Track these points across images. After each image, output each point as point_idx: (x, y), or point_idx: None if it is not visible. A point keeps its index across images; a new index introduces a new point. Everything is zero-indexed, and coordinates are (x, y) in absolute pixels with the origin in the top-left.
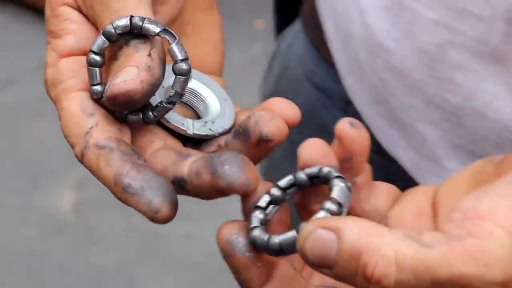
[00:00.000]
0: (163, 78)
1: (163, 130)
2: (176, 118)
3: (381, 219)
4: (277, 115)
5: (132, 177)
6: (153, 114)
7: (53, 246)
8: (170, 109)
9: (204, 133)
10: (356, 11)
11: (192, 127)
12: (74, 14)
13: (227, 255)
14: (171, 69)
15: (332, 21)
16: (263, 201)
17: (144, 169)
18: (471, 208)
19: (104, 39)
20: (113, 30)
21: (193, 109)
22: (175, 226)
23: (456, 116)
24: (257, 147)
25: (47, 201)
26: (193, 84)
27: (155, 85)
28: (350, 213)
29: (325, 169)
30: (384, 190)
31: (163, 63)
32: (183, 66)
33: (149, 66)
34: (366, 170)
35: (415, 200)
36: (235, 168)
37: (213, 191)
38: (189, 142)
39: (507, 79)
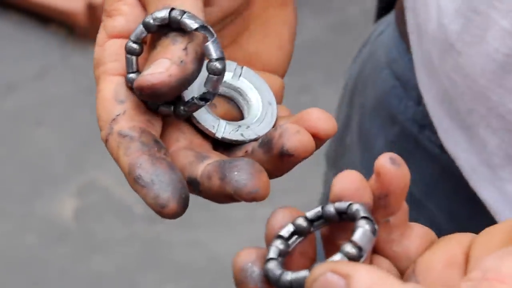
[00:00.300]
0: (198, 74)
1: (193, 130)
2: (208, 118)
3: (410, 263)
4: (304, 130)
5: (145, 169)
6: (184, 109)
7: (54, 252)
8: (201, 106)
9: (234, 138)
10: (433, 8)
11: (222, 130)
12: None
13: (239, 283)
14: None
15: (412, 14)
16: (286, 231)
17: (159, 162)
18: (492, 268)
19: (143, 28)
20: (152, 21)
21: (239, 108)
22: (177, 233)
23: None
24: (279, 160)
25: (49, 208)
26: (239, 82)
27: (185, 80)
28: (379, 253)
29: (355, 207)
30: (418, 233)
31: (199, 59)
32: (217, 65)
33: (181, 61)
34: (403, 210)
35: (448, 249)
36: (244, 175)
37: (222, 195)
38: (220, 145)
39: None
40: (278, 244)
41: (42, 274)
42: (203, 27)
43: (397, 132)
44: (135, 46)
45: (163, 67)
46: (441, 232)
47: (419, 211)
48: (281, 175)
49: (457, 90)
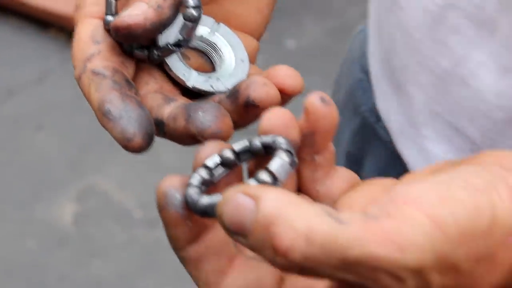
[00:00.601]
0: (173, 20)
1: (165, 77)
2: (180, 67)
3: (332, 203)
4: (271, 83)
5: (114, 104)
6: (158, 53)
7: (54, 257)
8: (174, 51)
9: (204, 88)
10: None
11: (193, 79)
12: None
13: (161, 208)
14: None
15: None
16: (212, 161)
17: (129, 99)
18: (400, 193)
19: None
20: None
21: (212, 63)
22: None
23: (442, 81)
24: (244, 110)
25: (48, 212)
26: (215, 38)
27: (160, 25)
28: (303, 192)
29: (279, 140)
30: (343, 176)
31: (176, 6)
32: (193, 12)
33: (158, 5)
34: (329, 152)
35: (371, 189)
36: (208, 117)
37: (186, 136)
38: (190, 94)
39: (493, 49)
40: (202, 173)
41: (41, 278)
42: None
43: (359, 123)
44: None
45: (140, 9)
46: None
47: None
48: (245, 126)
49: (395, 47)
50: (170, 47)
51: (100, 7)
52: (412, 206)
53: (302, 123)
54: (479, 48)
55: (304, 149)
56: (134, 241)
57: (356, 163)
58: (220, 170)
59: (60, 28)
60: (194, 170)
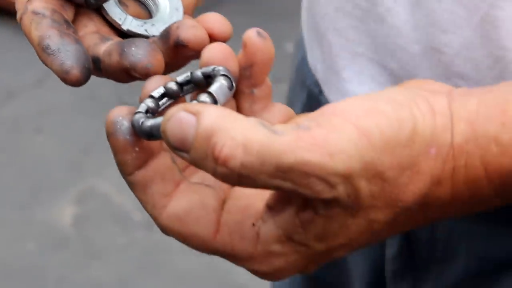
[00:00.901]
0: None
1: (102, 21)
2: (117, 12)
3: None
4: (200, 25)
5: (53, 40)
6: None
7: (53, 259)
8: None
9: (138, 32)
10: None
11: (128, 23)
12: None
13: (109, 135)
14: None
15: None
16: (157, 92)
17: (67, 36)
18: (329, 107)
19: None
20: None
21: (149, 12)
22: (176, 240)
23: (362, 22)
24: (175, 51)
25: (48, 215)
26: None
27: None
28: None
29: (218, 68)
30: (280, 109)
31: None
32: None
33: None
34: (267, 86)
35: (303, 118)
36: (140, 51)
37: (120, 71)
38: (125, 38)
39: None
40: (148, 102)
41: (41, 281)
42: None
43: (306, 96)
44: None
45: None
46: None
47: None
48: (177, 68)
49: None
50: None
51: None
52: (340, 117)
53: (240, 57)
54: None
55: (243, 81)
56: (134, 244)
57: None
58: (164, 100)
59: None
60: (141, 101)
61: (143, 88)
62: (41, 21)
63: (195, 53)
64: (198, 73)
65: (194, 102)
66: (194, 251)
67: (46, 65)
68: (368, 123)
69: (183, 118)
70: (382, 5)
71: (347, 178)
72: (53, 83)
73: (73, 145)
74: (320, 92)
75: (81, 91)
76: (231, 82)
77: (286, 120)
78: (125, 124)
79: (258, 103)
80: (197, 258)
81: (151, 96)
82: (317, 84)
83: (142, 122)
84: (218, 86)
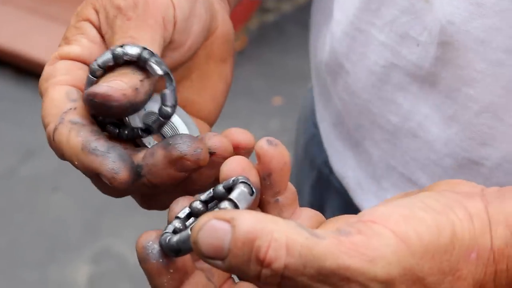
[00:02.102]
0: (143, 106)
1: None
2: (150, 140)
3: None
4: (221, 135)
5: (100, 142)
6: (127, 135)
7: None
8: (143, 136)
9: None
10: (327, 36)
11: None
12: (92, 32)
13: (142, 260)
14: (158, 109)
15: (313, 52)
16: (183, 212)
17: (110, 141)
18: (366, 213)
19: (111, 58)
20: (121, 54)
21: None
22: None
23: (394, 136)
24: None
25: (63, 274)
26: (175, 119)
27: (133, 105)
28: None
29: (237, 178)
30: (309, 215)
31: (150, 94)
32: (168, 110)
33: (136, 88)
34: (291, 192)
35: (337, 223)
36: (186, 139)
37: (167, 166)
38: None
39: (436, 100)
40: (175, 223)
41: None
42: (166, 75)
43: (316, 175)
44: (99, 70)
45: (119, 85)
46: None
47: None
48: (201, 186)
49: (347, 109)
50: (141, 133)
51: (71, 76)
52: (379, 224)
53: (258, 167)
54: (423, 102)
55: (265, 191)
56: None
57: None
58: (191, 220)
59: None
60: (168, 223)
61: (169, 210)
62: (82, 128)
63: (221, 160)
64: (220, 188)
65: (216, 210)
66: None
67: (91, 168)
68: (406, 230)
69: (216, 226)
70: (414, 121)
71: (387, 284)
72: None
73: (90, 204)
74: (331, 172)
75: None
76: (251, 188)
77: (317, 225)
78: (156, 247)
79: (286, 211)
80: None
81: (178, 217)
82: (327, 164)
83: (168, 239)
84: (239, 192)
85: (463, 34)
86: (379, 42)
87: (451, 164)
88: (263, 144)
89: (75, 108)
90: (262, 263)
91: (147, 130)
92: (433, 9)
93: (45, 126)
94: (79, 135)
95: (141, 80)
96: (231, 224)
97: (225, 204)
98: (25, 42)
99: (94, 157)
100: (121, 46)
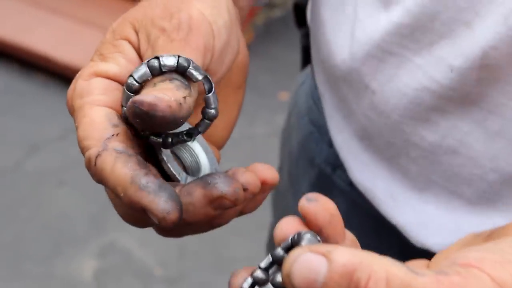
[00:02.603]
0: (185, 121)
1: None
2: (175, 166)
3: None
4: (250, 171)
5: (150, 179)
6: (172, 141)
7: None
8: (187, 141)
9: None
10: (344, 55)
11: (184, 180)
12: (130, 51)
13: None
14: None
15: (322, 65)
16: (247, 283)
17: (159, 178)
18: (460, 256)
19: (149, 72)
20: (158, 66)
21: (182, 163)
22: None
23: (432, 153)
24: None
25: (69, 269)
26: (195, 145)
27: (176, 120)
28: None
29: (299, 233)
30: None
31: (191, 112)
32: (213, 112)
33: (180, 102)
34: (351, 240)
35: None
36: (225, 179)
37: (205, 205)
38: None
39: (479, 117)
40: None
41: None
42: (206, 78)
43: (316, 174)
44: (136, 84)
45: (166, 97)
46: None
47: None
48: (249, 211)
49: (375, 127)
50: (183, 137)
51: (109, 98)
52: (475, 267)
53: (308, 226)
54: (464, 120)
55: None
56: None
57: None
58: None
59: None
60: None
61: (231, 283)
62: (129, 159)
63: (252, 195)
64: (279, 251)
65: (302, 244)
66: None
67: (139, 204)
68: (503, 274)
69: (311, 259)
70: (453, 138)
71: None
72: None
73: (95, 199)
74: (334, 171)
75: None
76: (317, 237)
77: None
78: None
79: None
80: None
81: None
82: (329, 163)
83: None
84: (308, 238)
85: (507, 56)
86: (414, 64)
87: (497, 178)
88: (303, 203)
89: (117, 135)
90: None
91: (189, 134)
92: (474, 35)
93: (83, 148)
94: (126, 166)
95: (184, 97)
96: (327, 257)
97: (308, 235)
98: (29, 36)
99: (146, 194)
100: (156, 58)
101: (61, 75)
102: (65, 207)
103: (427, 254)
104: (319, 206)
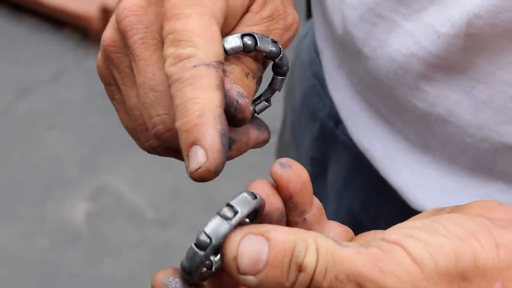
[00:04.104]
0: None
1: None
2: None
3: None
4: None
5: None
6: (255, 110)
7: (66, 256)
8: (269, 106)
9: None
10: (339, 17)
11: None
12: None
13: None
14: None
15: (323, 23)
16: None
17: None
18: (390, 231)
19: (242, 45)
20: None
21: None
22: (188, 238)
23: (424, 120)
24: None
25: (61, 211)
26: None
27: (246, 121)
28: None
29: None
30: (337, 231)
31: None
32: (285, 69)
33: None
34: (316, 207)
35: (365, 238)
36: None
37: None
38: None
39: (466, 86)
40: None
41: (53, 277)
42: (275, 43)
43: (318, 128)
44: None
45: (248, 105)
46: (356, 218)
47: (340, 201)
48: None
49: (371, 91)
50: (266, 103)
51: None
52: (398, 245)
53: (278, 190)
54: (452, 88)
55: (291, 213)
56: (147, 241)
57: (320, 167)
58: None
59: (74, 27)
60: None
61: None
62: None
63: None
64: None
65: (217, 217)
66: None
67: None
68: (422, 254)
69: (254, 240)
70: (442, 107)
71: None
72: (67, 80)
73: (87, 141)
74: (337, 125)
75: (95, 87)
76: (256, 194)
77: (348, 239)
78: (178, 280)
79: (315, 228)
80: None
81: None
82: (332, 117)
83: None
84: (240, 197)
85: (491, 26)
86: (404, 30)
87: (488, 147)
88: (276, 169)
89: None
90: (300, 267)
91: (269, 100)
92: (460, 2)
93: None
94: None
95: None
96: (265, 236)
97: (224, 210)
98: None
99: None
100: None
101: (51, 18)
102: (57, 150)
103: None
104: (293, 172)
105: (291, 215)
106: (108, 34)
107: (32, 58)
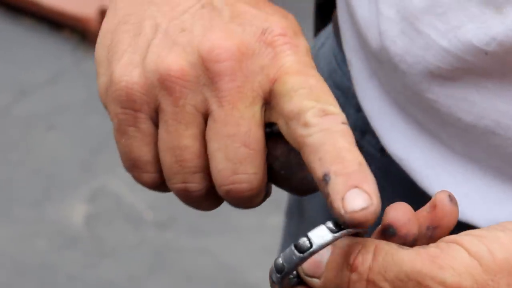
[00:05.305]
0: None
1: None
2: None
3: None
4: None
5: None
6: None
7: (64, 258)
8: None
9: None
10: (374, 32)
11: None
12: None
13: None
14: None
15: (354, 35)
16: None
17: None
18: (450, 237)
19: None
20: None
21: None
22: (186, 240)
23: (469, 133)
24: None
25: (59, 213)
26: None
27: None
28: None
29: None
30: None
31: None
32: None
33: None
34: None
35: None
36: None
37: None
38: None
39: None
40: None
41: (51, 279)
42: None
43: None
44: None
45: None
46: None
47: None
48: None
49: (410, 103)
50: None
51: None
52: (455, 242)
53: (425, 215)
54: (502, 99)
55: (422, 239)
56: (145, 243)
57: None
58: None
59: (73, 29)
60: None
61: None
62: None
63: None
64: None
65: (323, 226)
66: (204, 251)
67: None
68: (479, 248)
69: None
70: (489, 118)
71: None
72: (66, 81)
73: (86, 143)
74: (363, 136)
75: (94, 89)
76: (337, 226)
77: None
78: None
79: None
80: (206, 259)
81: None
82: (357, 127)
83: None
84: (318, 229)
85: None
86: (440, 47)
87: None
88: (444, 199)
89: None
90: (351, 267)
91: None
92: (505, 21)
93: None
94: None
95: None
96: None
97: (303, 239)
98: None
99: None
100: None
101: (49, 19)
102: (55, 152)
103: (463, 228)
104: (455, 210)
105: (419, 242)
106: (179, 65)
107: (30, 60)
